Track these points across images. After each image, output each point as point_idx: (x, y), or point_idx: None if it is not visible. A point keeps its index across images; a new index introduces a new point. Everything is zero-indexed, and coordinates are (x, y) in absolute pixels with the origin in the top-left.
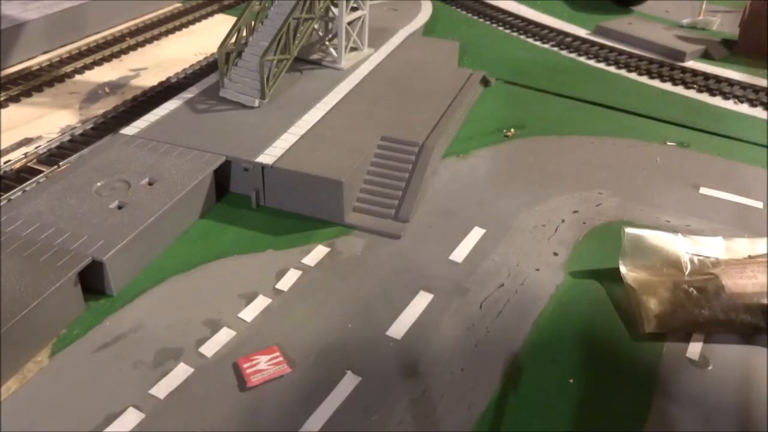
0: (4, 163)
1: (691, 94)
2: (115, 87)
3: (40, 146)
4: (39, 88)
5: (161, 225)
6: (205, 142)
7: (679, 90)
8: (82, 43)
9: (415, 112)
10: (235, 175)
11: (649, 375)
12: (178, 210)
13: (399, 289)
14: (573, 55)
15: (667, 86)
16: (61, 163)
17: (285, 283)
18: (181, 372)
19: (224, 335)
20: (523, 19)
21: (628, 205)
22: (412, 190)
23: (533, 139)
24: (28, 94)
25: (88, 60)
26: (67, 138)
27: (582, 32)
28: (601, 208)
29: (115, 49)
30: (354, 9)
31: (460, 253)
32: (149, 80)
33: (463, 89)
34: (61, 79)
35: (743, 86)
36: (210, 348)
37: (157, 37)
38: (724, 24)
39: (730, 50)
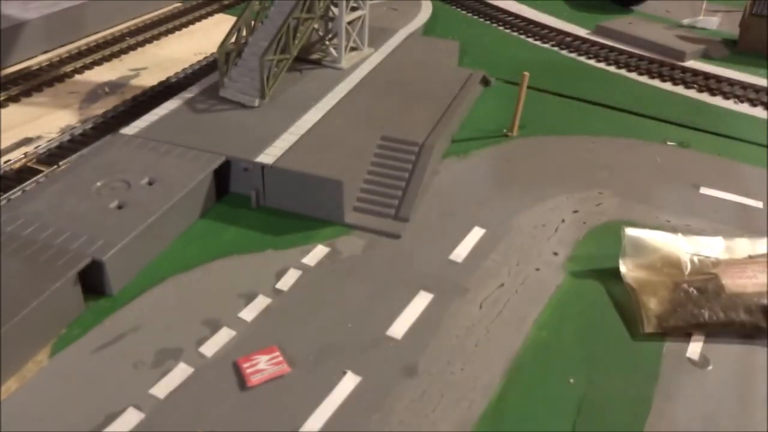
0: (4, 162)
1: (692, 93)
2: (114, 87)
3: (39, 146)
4: (39, 88)
5: (161, 225)
6: (205, 142)
7: (679, 90)
8: (81, 43)
9: (415, 112)
10: (235, 175)
11: (649, 375)
12: (178, 210)
13: (399, 289)
14: (573, 55)
15: (667, 86)
16: (60, 163)
17: (285, 283)
18: (181, 372)
19: (224, 335)
20: (523, 19)
21: (628, 205)
22: (412, 190)
23: (533, 138)
24: (27, 93)
25: (88, 60)
26: (66, 138)
27: (582, 32)
28: (601, 208)
29: (115, 49)
30: (354, 9)
31: (460, 253)
32: (149, 80)
33: (463, 89)
34: (60, 78)
35: (743, 86)
36: (210, 348)
37: (157, 37)
38: (724, 24)
39: (730, 50)
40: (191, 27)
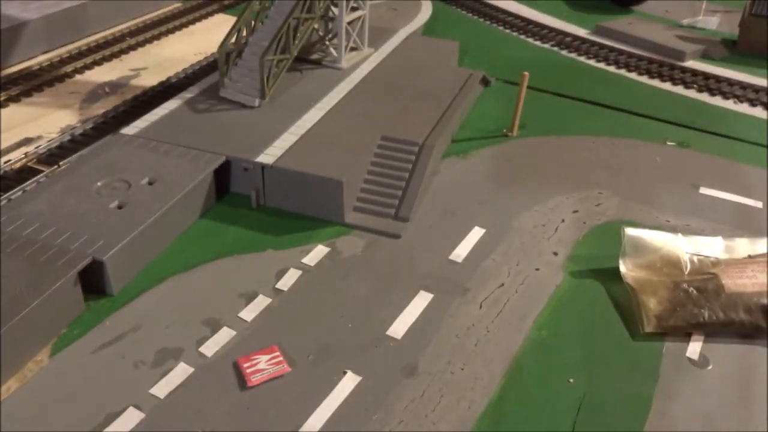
0: (5, 162)
1: (691, 93)
2: (115, 87)
3: (40, 146)
4: (39, 88)
5: (161, 225)
6: (205, 142)
7: (679, 90)
8: (82, 43)
9: (415, 112)
10: (235, 174)
11: (649, 374)
12: (178, 210)
13: (399, 289)
14: (573, 55)
15: (667, 86)
16: (61, 163)
17: (285, 283)
18: (181, 372)
19: (224, 335)
20: (523, 19)
21: (628, 205)
22: (412, 190)
23: (533, 138)
24: (28, 93)
25: (88, 60)
26: (67, 138)
27: (582, 32)
28: (601, 207)
29: (115, 49)
30: (354, 9)
31: (460, 253)
32: (149, 80)
33: (463, 89)
34: (61, 78)
35: (743, 86)
36: (210, 348)
37: (157, 37)
38: (724, 24)
39: (729, 50)
40: (191, 27)
